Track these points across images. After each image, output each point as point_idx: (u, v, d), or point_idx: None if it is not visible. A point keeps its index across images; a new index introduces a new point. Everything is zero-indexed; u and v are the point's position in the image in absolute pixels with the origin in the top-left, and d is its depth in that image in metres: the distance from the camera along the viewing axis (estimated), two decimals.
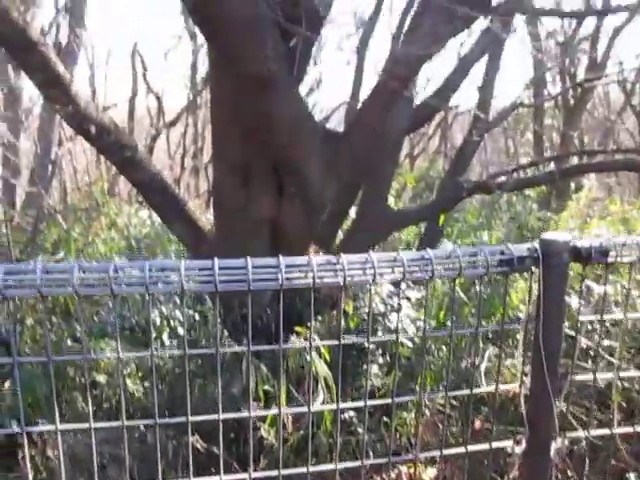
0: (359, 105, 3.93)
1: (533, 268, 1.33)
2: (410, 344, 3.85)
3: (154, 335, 4.11)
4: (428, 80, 8.35)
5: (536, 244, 1.33)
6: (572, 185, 8.74)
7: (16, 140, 5.33)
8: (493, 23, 4.08)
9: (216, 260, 1.19)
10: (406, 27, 3.79)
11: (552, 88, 10.90)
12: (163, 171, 3.75)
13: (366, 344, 3.58)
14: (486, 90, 6.42)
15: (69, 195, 9.45)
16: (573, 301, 2.97)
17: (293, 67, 3.03)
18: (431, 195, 9.05)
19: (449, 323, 4.25)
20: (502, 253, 1.30)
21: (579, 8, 8.49)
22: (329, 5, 2.99)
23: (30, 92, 6.28)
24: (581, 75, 9.54)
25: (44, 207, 5.12)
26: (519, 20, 7.51)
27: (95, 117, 3.45)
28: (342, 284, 1.23)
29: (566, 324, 1.53)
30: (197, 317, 4.30)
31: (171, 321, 4.26)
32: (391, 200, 8.24)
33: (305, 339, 3.57)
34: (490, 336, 3.82)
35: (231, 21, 2.65)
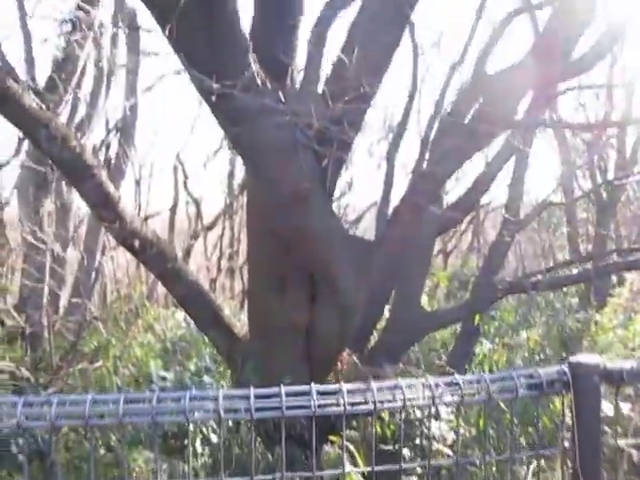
0: (389, 210, 4.09)
1: (564, 391, 1.33)
2: (450, 452, 3.70)
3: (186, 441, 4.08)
4: (457, 179, 8.56)
5: (565, 367, 1.34)
6: (613, 278, 8.51)
7: (64, 253, 5.67)
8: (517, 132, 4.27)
9: (252, 389, 1.24)
10: (432, 138, 4.02)
11: (583, 183, 11.00)
12: (200, 273, 3.91)
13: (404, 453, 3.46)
14: (515, 187, 6.55)
15: (109, 297, 9.75)
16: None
17: (325, 183, 3.21)
18: (465, 294, 8.98)
19: (490, 430, 4.10)
20: (531, 377, 1.31)
21: (599, 119, 8.76)
22: (358, 129, 3.21)
23: (79, 202, 6.71)
24: (611, 169, 9.63)
25: (86, 315, 5.32)
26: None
27: (139, 231, 3.68)
28: (373, 411, 1.25)
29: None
30: (230, 422, 4.25)
31: (204, 428, 4.22)
32: (424, 299, 8.21)
33: (340, 447, 3.48)
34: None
35: (269, 148, 2.87)
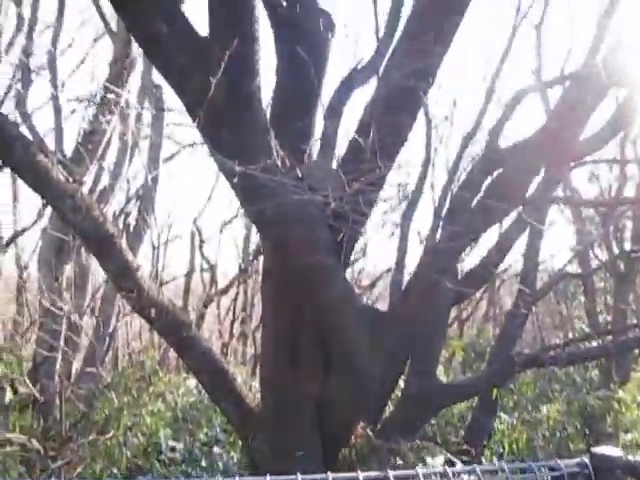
0: (403, 278, 4.10)
1: None
2: None
3: None
4: (471, 249, 8.58)
5: (587, 459, 1.31)
6: (635, 351, 8.29)
7: (81, 320, 5.72)
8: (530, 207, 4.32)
9: (268, 477, 1.23)
10: (445, 212, 4.09)
11: (599, 253, 10.93)
12: (212, 336, 3.89)
13: None
14: (530, 258, 6.53)
15: (121, 363, 9.70)
16: None
17: (340, 256, 3.25)
18: (482, 364, 8.78)
19: None
20: (552, 469, 1.28)
21: (612, 191, 8.84)
22: (372, 205, 3.29)
23: (97, 268, 6.82)
24: (628, 239, 9.58)
25: (98, 384, 5.29)
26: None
27: (156, 299, 3.71)
28: None
29: None
30: None
31: None
32: (440, 369, 8.04)
33: None
34: None
35: (286, 224, 2.94)
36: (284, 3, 3.13)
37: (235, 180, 2.55)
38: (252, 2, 2.73)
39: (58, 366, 5.58)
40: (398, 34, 3.69)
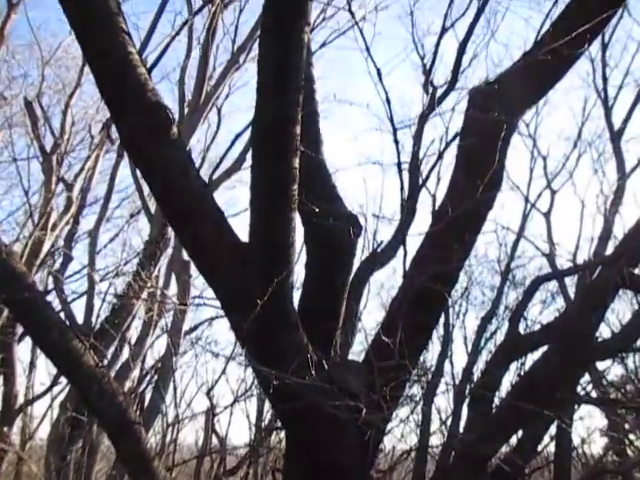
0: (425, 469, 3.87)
1: None
2: None
3: None
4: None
5: None
6: None
7: None
8: None
9: None
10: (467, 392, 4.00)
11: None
12: None
13: None
14: (561, 446, 6.19)
15: None
16: None
17: (366, 456, 3.15)
18: None
19: None
20: None
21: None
22: (397, 402, 3.27)
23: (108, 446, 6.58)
24: None
25: None
26: None
27: None
28: None
29: None
30: None
31: None
32: None
33: None
34: None
35: (314, 423, 2.93)
36: (317, 209, 3.45)
37: (270, 385, 2.60)
38: (290, 217, 3.03)
39: None
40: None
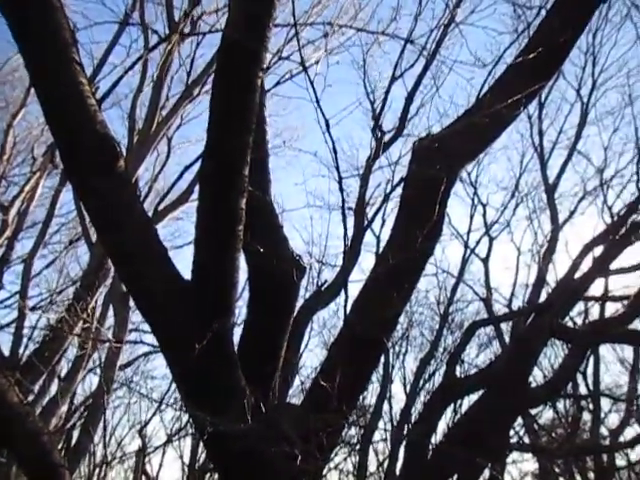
0: None
1: None
2: None
3: None
4: None
5: None
6: None
7: None
8: None
9: None
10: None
11: None
12: None
13: None
14: None
15: None
16: None
17: None
18: None
19: None
20: None
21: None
22: (333, 446, 3.26)
23: None
24: None
25: None
26: None
27: None
28: None
29: None
30: None
31: None
32: None
33: None
34: None
35: (248, 462, 2.87)
36: (261, 250, 3.46)
37: (205, 431, 2.55)
38: (235, 257, 3.03)
39: None
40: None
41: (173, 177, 11.49)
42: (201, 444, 10.89)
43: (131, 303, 7.58)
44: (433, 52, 8.15)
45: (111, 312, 8.08)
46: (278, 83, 11.33)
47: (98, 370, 7.62)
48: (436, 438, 4.91)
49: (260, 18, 2.84)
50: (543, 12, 7.08)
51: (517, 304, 11.62)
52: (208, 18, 9.65)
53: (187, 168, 10.80)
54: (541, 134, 11.51)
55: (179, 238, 13.35)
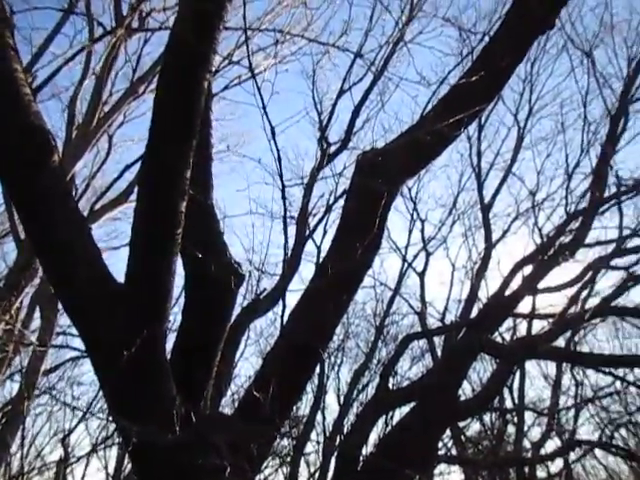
0: None
1: None
2: None
3: None
4: None
5: None
6: None
7: None
8: None
9: None
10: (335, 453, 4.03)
11: None
12: None
13: None
14: None
15: None
16: None
17: None
18: None
19: None
20: None
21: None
22: (264, 457, 3.22)
23: None
24: None
25: None
26: None
27: None
28: None
29: None
30: None
31: None
32: None
33: None
34: None
35: (174, 475, 2.78)
36: (199, 256, 3.39)
37: (131, 441, 2.45)
38: (171, 261, 2.95)
39: None
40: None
41: (113, 176, 11.15)
42: (127, 455, 10.51)
43: (59, 305, 7.24)
44: (381, 68, 8.32)
45: (38, 314, 7.70)
46: (226, 87, 11.23)
47: (19, 376, 7.21)
48: (367, 450, 4.94)
49: (210, 19, 2.80)
50: (487, 38, 7.38)
51: (450, 318, 11.96)
52: (157, 15, 9.44)
53: (128, 167, 10.50)
54: (479, 155, 11.95)
55: (116, 239, 12.92)
